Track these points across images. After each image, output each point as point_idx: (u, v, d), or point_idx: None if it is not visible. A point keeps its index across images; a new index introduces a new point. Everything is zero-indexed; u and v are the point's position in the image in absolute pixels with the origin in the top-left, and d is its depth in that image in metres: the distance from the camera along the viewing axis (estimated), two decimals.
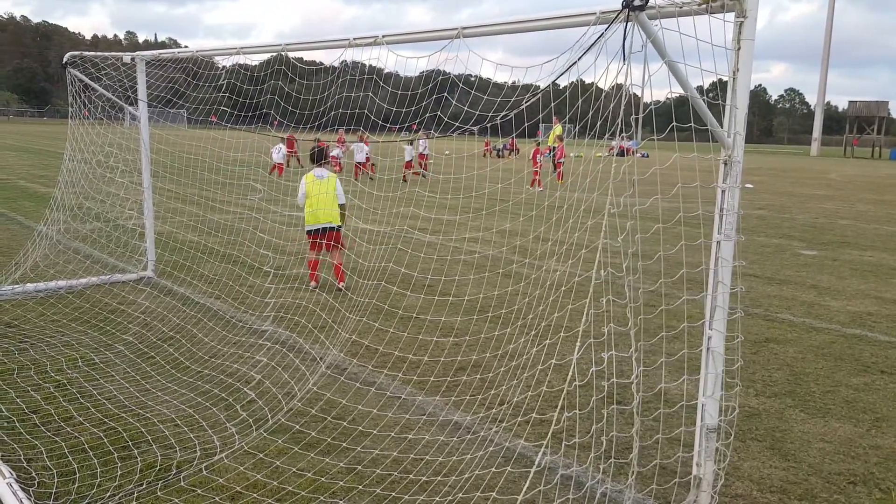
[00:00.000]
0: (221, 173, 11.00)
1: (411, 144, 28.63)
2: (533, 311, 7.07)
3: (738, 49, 4.10)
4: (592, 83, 4.11)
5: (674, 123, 4.18)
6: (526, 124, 4.82)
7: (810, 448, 5.47)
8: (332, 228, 10.00)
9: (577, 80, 4.18)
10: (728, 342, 4.35)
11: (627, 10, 3.64)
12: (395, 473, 4.79)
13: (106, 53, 10.19)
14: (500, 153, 46.00)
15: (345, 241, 10.38)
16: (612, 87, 3.95)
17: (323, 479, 4.71)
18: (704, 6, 3.88)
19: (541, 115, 4.87)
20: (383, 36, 5.77)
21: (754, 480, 4.96)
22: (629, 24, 3.66)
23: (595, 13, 4.05)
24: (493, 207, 15.18)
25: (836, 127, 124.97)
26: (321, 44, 6.63)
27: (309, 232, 10.08)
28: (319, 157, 10.37)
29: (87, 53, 10.02)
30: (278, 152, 28.68)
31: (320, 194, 9.97)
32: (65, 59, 9.80)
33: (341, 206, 10.16)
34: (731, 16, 4.09)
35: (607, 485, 4.70)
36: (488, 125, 5.06)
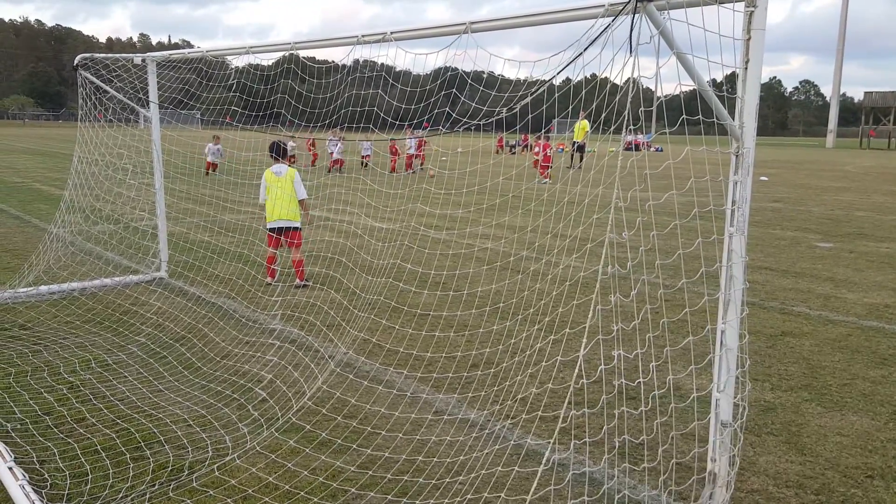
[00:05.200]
0: (234, 173, 11.01)
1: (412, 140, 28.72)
2: (549, 308, 7.04)
3: (749, 39, 4.04)
4: (604, 77, 4.06)
5: (684, 116, 4.12)
6: (530, 116, 4.76)
7: (827, 442, 5.41)
8: (290, 228, 9.99)
9: (589, 75, 4.14)
10: (751, 337, 4.30)
11: (636, 0, 3.60)
12: (407, 478, 4.74)
13: (117, 55, 10.19)
14: (514, 149, 45.91)
15: (304, 239, 10.41)
16: (622, 79, 3.90)
17: (335, 483, 4.67)
18: None
19: (544, 108, 4.80)
20: (391, 33, 5.74)
21: (770, 475, 4.90)
22: (637, 15, 3.61)
23: (604, 5, 4.01)
24: (505, 204, 15.15)
25: (851, 118, 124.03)
26: (330, 41, 6.60)
27: (269, 229, 10.11)
28: (277, 151, 10.22)
29: (97, 56, 10.03)
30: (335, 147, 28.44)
31: (277, 191, 9.96)
32: (76, 62, 9.83)
33: (301, 203, 10.12)
34: (741, 5, 4.04)
35: (619, 480, 4.66)
36: (492, 120, 5.02)
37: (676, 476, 4.69)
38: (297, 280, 10.00)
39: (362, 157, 31.12)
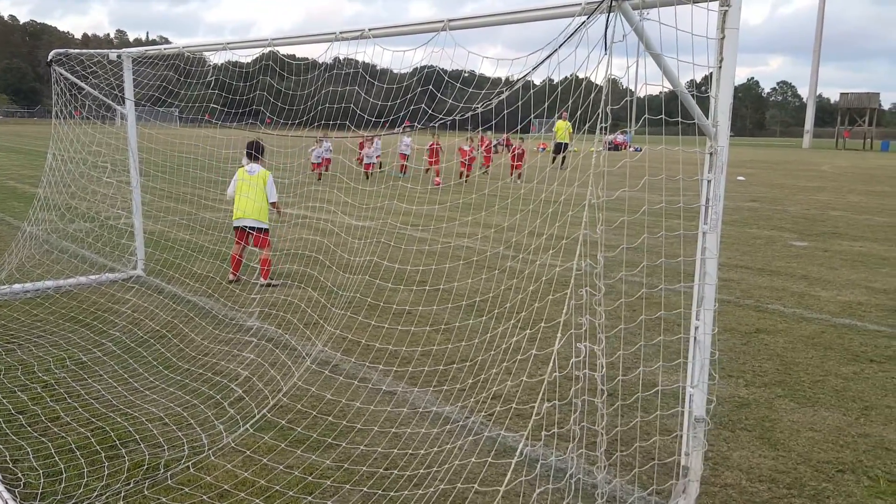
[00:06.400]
0: (214, 171, 10.93)
1: (409, 138, 28.25)
2: (525, 304, 7.08)
3: (723, 38, 4.08)
4: (580, 76, 4.08)
5: (646, 116, 4.15)
6: (506, 112, 4.78)
7: (799, 437, 5.48)
8: (255, 228, 9.82)
9: (569, 74, 4.15)
10: (726, 334, 4.34)
11: None
12: (382, 470, 4.77)
13: (92, 51, 10.07)
14: (496, 149, 45.93)
15: (271, 239, 10.27)
16: (596, 78, 3.92)
17: (310, 476, 4.68)
18: None
19: (519, 105, 4.82)
20: (370, 30, 5.73)
21: (743, 470, 4.95)
22: (612, 14, 3.63)
23: (580, 4, 4.03)
24: (482, 201, 15.17)
25: (828, 119, 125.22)
26: (308, 38, 6.58)
27: (234, 227, 10.02)
28: (256, 150, 10.05)
29: (72, 51, 9.89)
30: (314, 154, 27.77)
31: (247, 189, 9.83)
32: (49, 57, 9.69)
33: (272, 205, 9.95)
34: (715, 5, 4.07)
35: (593, 475, 4.69)
36: (467, 116, 5.03)
37: (652, 470, 4.73)
38: (261, 279, 9.86)
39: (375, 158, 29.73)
